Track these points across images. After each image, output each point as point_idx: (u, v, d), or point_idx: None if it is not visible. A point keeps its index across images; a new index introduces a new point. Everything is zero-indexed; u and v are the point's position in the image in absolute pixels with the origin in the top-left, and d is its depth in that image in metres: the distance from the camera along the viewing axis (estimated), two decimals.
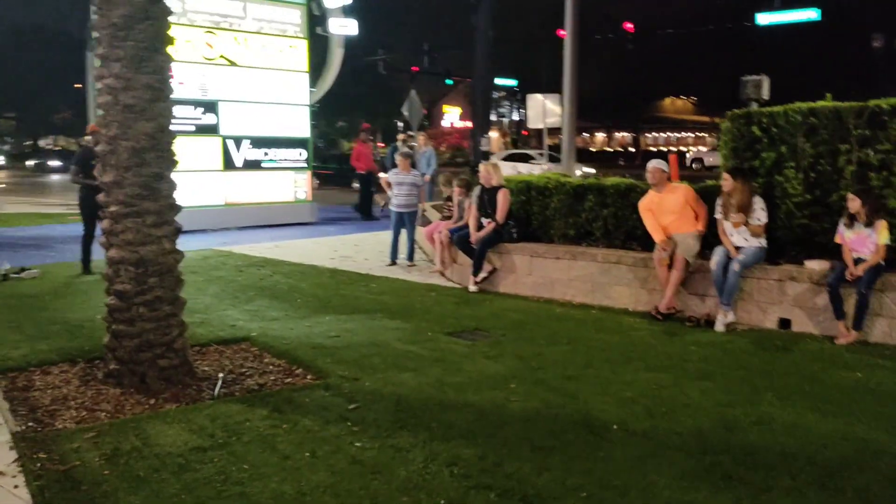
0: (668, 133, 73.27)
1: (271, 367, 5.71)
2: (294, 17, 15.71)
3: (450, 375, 5.41)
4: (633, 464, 3.88)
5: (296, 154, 16.02)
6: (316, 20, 16.97)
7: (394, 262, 10.72)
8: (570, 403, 4.81)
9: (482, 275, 8.80)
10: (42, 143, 62.71)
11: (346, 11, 17.71)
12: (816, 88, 7.27)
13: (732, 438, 4.23)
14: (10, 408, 4.74)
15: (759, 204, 7.05)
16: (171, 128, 5.12)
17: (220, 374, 5.37)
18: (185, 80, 14.20)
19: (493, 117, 70.91)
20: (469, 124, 64.20)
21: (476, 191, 9.16)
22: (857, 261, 6.39)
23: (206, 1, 14.48)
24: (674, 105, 75.06)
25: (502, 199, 8.79)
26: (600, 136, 73.83)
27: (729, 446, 4.10)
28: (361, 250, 12.17)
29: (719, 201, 7.24)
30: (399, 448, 4.07)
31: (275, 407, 4.69)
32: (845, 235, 6.51)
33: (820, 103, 7.18)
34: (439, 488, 3.60)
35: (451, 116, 62.57)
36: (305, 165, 16.23)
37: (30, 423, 4.49)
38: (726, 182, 7.12)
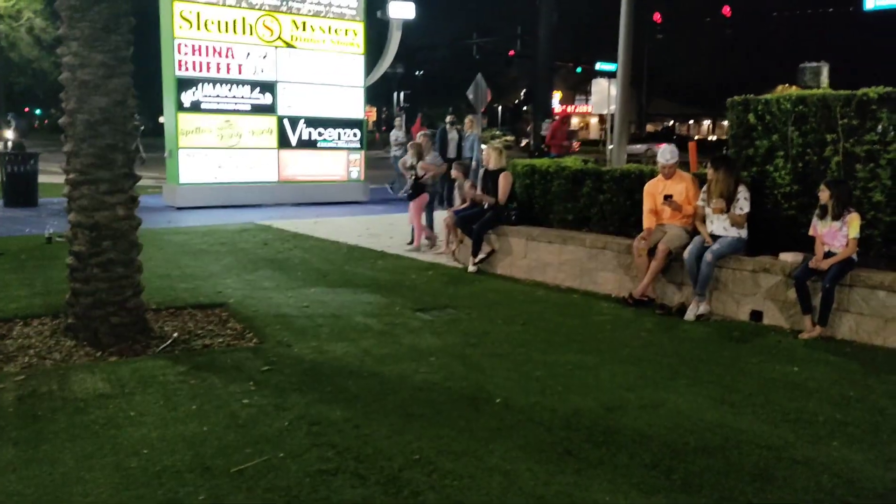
0: None
1: (229, 331, 6.07)
2: (352, 1, 16.10)
3: (381, 347, 5.61)
4: (487, 434, 3.99)
5: (350, 134, 16.49)
6: (375, 3, 17.34)
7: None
8: (473, 377, 4.93)
9: (481, 255, 8.92)
10: None
11: None
12: None
13: (604, 419, 4.25)
14: None
15: (743, 193, 6.89)
16: (130, 102, 5.54)
17: (175, 334, 5.79)
18: (244, 62, 14.91)
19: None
20: (577, 108, 63.56)
21: (480, 173, 9.28)
22: (829, 254, 6.16)
23: None
24: (786, 92, 71.50)
25: (503, 181, 8.89)
26: (706, 123, 71.59)
27: (593, 425, 4.14)
28: (393, 230, 12.45)
29: (704, 187, 7.11)
30: (280, 407, 4.33)
31: (196, 365, 5.04)
32: (818, 228, 6.28)
33: (812, 91, 6.91)
34: (287, 443, 3.84)
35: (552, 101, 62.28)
36: (359, 146, 16.68)
37: None
38: (708, 171, 7.01)
